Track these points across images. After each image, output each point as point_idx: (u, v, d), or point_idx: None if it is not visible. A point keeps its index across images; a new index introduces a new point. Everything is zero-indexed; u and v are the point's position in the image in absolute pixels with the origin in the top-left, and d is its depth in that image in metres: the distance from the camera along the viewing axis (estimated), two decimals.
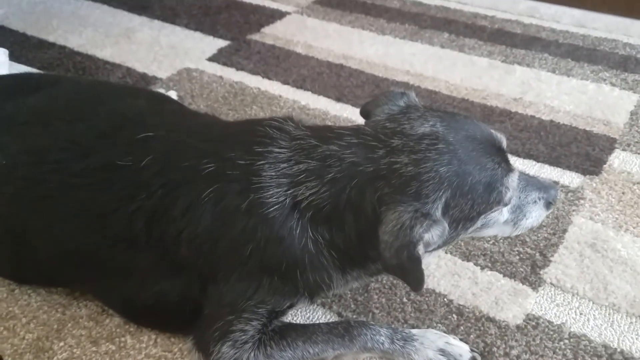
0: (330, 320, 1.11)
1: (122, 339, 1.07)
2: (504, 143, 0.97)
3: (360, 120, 1.71)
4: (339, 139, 0.92)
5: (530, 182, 1.01)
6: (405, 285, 1.14)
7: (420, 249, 0.84)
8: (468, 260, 1.23)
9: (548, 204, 1.03)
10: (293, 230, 0.90)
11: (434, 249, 0.93)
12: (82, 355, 1.04)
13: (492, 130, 0.97)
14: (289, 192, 0.90)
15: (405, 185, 0.86)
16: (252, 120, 1.05)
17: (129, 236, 0.96)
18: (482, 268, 1.22)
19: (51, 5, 2.45)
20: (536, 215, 1.01)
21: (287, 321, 1.05)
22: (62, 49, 2.09)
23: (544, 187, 1.02)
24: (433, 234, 0.85)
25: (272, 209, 0.90)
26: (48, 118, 1.06)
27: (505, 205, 0.94)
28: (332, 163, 0.90)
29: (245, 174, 0.91)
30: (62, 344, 1.06)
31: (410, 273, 0.86)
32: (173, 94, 1.75)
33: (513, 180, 0.92)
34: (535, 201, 1.01)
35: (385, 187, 0.87)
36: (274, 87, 1.89)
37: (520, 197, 0.99)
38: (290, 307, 1.01)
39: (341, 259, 0.95)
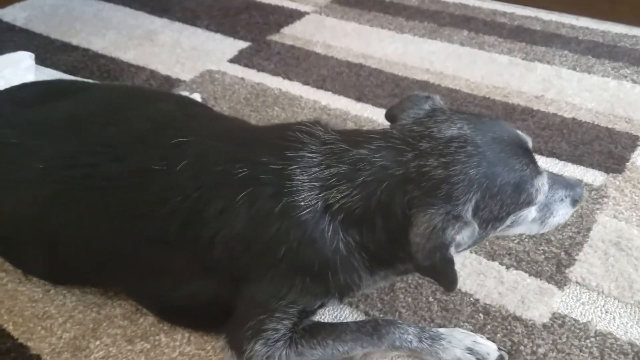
0: (358, 319, 1.13)
1: (157, 337, 1.10)
2: (530, 144, 0.98)
3: (382, 119, 1.74)
4: (368, 143, 0.94)
5: (556, 181, 1.02)
6: (431, 284, 1.17)
7: (452, 250, 0.86)
8: (493, 260, 1.24)
9: (574, 202, 1.04)
10: (325, 232, 0.92)
11: (463, 249, 0.95)
12: (118, 353, 1.07)
13: (518, 132, 0.98)
14: (320, 195, 0.92)
15: (435, 188, 0.88)
16: (282, 125, 1.07)
17: (164, 238, 0.99)
18: (508, 267, 1.23)
19: (73, 8, 2.49)
20: (563, 213, 1.02)
21: (317, 320, 1.07)
22: (85, 51, 2.13)
23: (570, 185, 1.04)
24: (464, 236, 0.86)
25: (304, 212, 0.92)
26: (82, 122, 1.09)
27: (534, 205, 0.95)
28: (363, 167, 0.92)
29: (278, 178, 0.93)
30: (98, 342, 1.09)
31: (443, 274, 0.88)
32: (197, 97, 1.78)
33: (543, 182, 0.93)
34: (562, 199, 1.02)
35: (414, 190, 0.89)
36: (294, 88, 1.91)
37: (547, 196, 1.00)
38: (321, 306, 1.03)
39: (371, 260, 0.97)
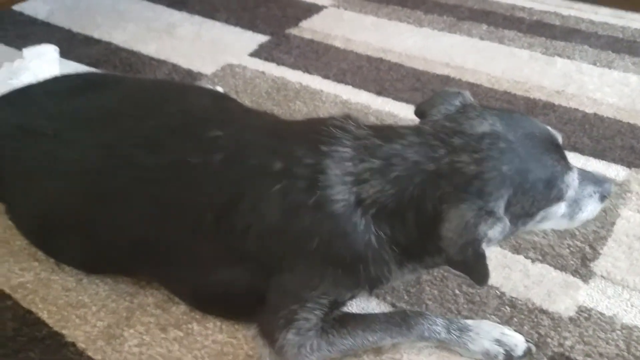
0: (385, 311, 1.15)
1: (189, 325, 1.12)
2: (560, 140, 0.99)
3: (403, 113, 1.75)
4: (401, 139, 0.95)
5: (585, 176, 1.03)
6: (457, 277, 1.19)
7: (484, 245, 0.87)
8: (518, 254, 1.26)
9: (602, 198, 1.05)
10: (357, 226, 0.94)
11: (493, 244, 0.96)
12: (151, 341, 1.10)
13: (549, 127, 0.99)
14: (353, 189, 0.94)
15: (468, 183, 0.89)
16: (315, 120, 1.08)
17: (199, 228, 1.01)
18: (533, 261, 1.24)
19: (93, 1, 2.51)
20: (592, 208, 1.03)
21: (346, 311, 1.09)
22: (107, 45, 2.15)
23: (599, 181, 1.05)
24: (496, 231, 0.88)
25: (337, 205, 0.93)
26: (117, 115, 1.11)
27: (564, 201, 0.97)
28: (396, 162, 0.93)
29: (312, 172, 0.95)
30: (132, 330, 1.12)
31: (475, 269, 0.89)
32: (219, 90, 1.79)
33: (573, 178, 0.94)
34: (590, 195, 1.03)
35: (447, 185, 0.90)
36: (315, 82, 1.92)
37: (576, 192, 1.01)
38: (351, 298, 1.05)
39: (401, 253, 0.98)
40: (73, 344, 1.10)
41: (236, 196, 0.98)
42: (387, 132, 0.98)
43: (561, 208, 0.99)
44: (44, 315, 1.15)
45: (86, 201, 1.08)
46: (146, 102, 1.15)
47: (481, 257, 0.88)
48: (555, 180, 0.93)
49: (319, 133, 0.99)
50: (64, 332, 1.12)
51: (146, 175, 1.03)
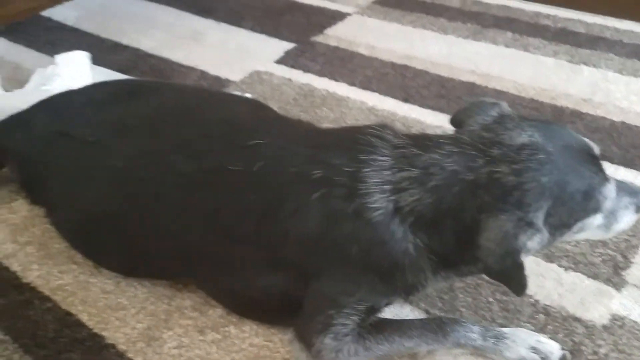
0: (418, 317, 1.16)
1: (226, 328, 1.14)
2: (597, 151, 1.01)
3: (430, 120, 1.77)
4: (439, 148, 0.97)
5: (621, 188, 1.04)
6: (491, 284, 1.20)
7: (522, 255, 0.89)
8: (551, 262, 1.26)
9: (638, 209, 1.05)
10: (395, 234, 0.96)
11: (531, 254, 0.97)
12: (190, 343, 1.12)
13: (586, 139, 1.00)
14: (391, 198, 0.96)
15: (507, 194, 0.90)
16: (352, 128, 1.11)
17: (239, 234, 1.03)
18: (566, 269, 1.25)
19: (120, 7, 2.55)
20: (627, 220, 1.04)
21: (382, 317, 1.10)
22: (136, 51, 2.18)
23: (634, 192, 1.05)
24: (535, 242, 0.90)
25: (376, 213, 0.95)
26: (158, 123, 1.14)
27: (601, 212, 0.98)
28: (434, 171, 0.95)
29: (351, 180, 0.97)
30: (170, 333, 1.14)
31: (514, 279, 0.91)
32: (248, 97, 1.82)
33: (610, 190, 0.96)
34: (626, 206, 1.03)
35: (485, 195, 0.92)
36: (341, 89, 1.94)
37: (613, 203, 1.01)
38: (387, 304, 1.07)
39: (437, 261, 1.00)
40: (113, 346, 1.12)
41: (276, 203, 1.00)
42: (425, 141, 1.00)
43: (598, 219, 1.00)
44: (83, 317, 1.18)
45: (128, 207, 1.10)
46: (185, 110, 1.18)
47: (520, 268, 0.90)
48: (593, 191, 0.94)
49: (357, 142, 1.01)
50: (104, 333, 1.15)
51: (187, 182, 1.05)
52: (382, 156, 0.98)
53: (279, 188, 1.01)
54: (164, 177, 1.07)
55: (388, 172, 0.97)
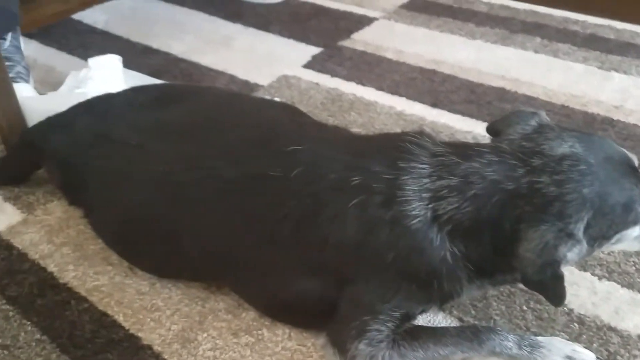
0: (451, 325, 1.16)
1: (259, 331, 1.15)
2: (637, 162, 1.00)
3: (459, 126, 1.76)
4: (479, 157, 0.97)
5: None
6: (525, 292, 1.19)
7: (562, 266, 0.89)
8: (585, 271, 1.25)
9: None
10: (433, 242, 0.96)
11: (569, 265, 0.97)
12: (224, 346, 1.13)
13: (626, 150, 1.00)
14: (430, 206, 0.96)
15: (548, 205, 0.91)
16: (389, 135, 1.11)
17: (276, 239, 1.04)
18: (600, 278, 1.24)
19: (150, 11, 2.59)
20: None
21: (416, 324, 1.10)
22: (166, 55, 2.21)
23: None
24: (574, 253, 0.90)
25: (414, 221, 0.96)
26: (199, 128, 1.16)
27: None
28: (474, 180, 0.95)
29: (390, 188, 0.97)
30: (205, 335, 1.15)
31: (553, 290, 0.91)
32: (283, 102, 1.83)
33: None
34: None
35: (525, 205, 0.92)
36: (369, 93, 1.95)
37: None
38: (422, 312, 1.07)
39: (473, 270, 1.00)
40: (149, 347, 1.14)
41: (314, 209, 1.01)
42: (464, 149, 1.00)
43: (636, 231, 1.00)
44: (119, 318, 1.20)
45: (169, 210, 1.12)
46: (225, 115, 1.19)
47: (560, 279, 0.90)
48: (633, 204, 0.94)
49: (396, 149, 1.01)
50: (139, 335, 1.16)
51: (228, 187, 1.07)
52: (421, 164, 0.99)
53: (318, 194, 1.02)
54: (205, 183, 1.09)
55: (427, 180, 0.97)
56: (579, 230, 0.90)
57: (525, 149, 0.96)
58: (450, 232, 0.96)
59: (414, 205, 0.96)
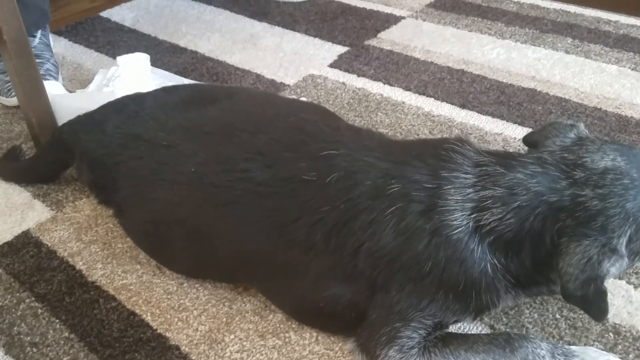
0: (482, 332, 1.14)
1: (287, 334, 1.15)
2: None
3: (489, 128, 1.74)
4: (523, 167, 0.96)
5: None
6: (557, 300, 1.17)
7: (605, 281, 0.87)
8: (620, 279, 1.22)
9: None
10: (474, 253, 0.95)
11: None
12: (251, 348, 1.13)
13: None
14: (471, 216, 0.95)
15: (591, 219, 0.89)
16: (429, 142, 1.10)
17: (308, 243, 1.03)
18: (636, 287, 1.21)
19: (177, 9, 2.60)
20: None
21: (447, 331, 1.09)
22: (193, 54, 2.22)
23: None
24: (616, 268, 0.88)
25: (455, 231, 0.94)
26: (232, 129, 1.15)
27: None
28: (519, 191, 0.94)
29: (431, 197, 0.96)
30: (232, 336, 1.15)
31: (595, 305, 0.90)
32: (315, 104, 1.82)
33: None
34: None
35: (567, 218, 0.91)
36: (396, 94, 1.93)
37: None
38: (455, 322, 1.05)
39: (511, 282, 0.99)
40: (177, 347, 1.14)
41: (350, 215, 1.00)
42: (507, 159, 0.99)
43: None
44: (147, 318, 1.20)
45: (201, 212, 1.12)
46: (258, 117, 1.18)
47: (603, 294, 0.89)
48: None
49: (437, 158, 1.00)
50: (167, 334, 1.17)
51: (260, 190, 1.06)
52: (465, 173, 0.98)
53: (354, 200, 1.00)
54: (238, 185, 1.08)
55: (470, 190, 0.96)
56: (622, 245, 0.89)
57: (567, 161, 0.95)
58: (491, 243, 0.95)
59: (455, 215, 0.95)
